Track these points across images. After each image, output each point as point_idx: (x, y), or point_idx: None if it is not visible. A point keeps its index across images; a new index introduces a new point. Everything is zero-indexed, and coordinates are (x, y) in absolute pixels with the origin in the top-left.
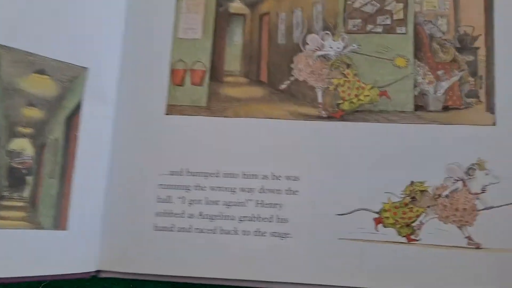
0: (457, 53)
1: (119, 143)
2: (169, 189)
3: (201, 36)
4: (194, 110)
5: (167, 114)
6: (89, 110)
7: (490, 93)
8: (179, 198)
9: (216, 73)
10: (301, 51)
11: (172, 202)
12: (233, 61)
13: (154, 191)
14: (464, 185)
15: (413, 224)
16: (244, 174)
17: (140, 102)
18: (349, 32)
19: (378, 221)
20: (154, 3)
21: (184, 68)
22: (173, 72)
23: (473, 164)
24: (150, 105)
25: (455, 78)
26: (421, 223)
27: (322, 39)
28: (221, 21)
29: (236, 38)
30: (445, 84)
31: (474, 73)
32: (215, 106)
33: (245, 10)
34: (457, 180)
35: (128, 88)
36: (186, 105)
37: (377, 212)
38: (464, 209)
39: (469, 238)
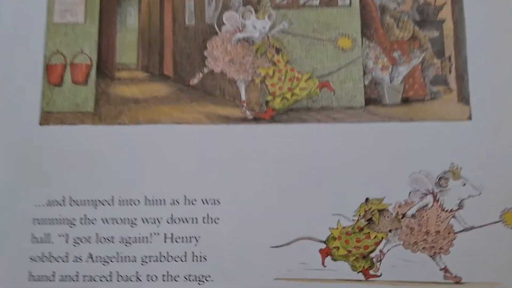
0: (417, 29)
1: None
2: (47, 224)
3: (84, 20)
4: (77, 117)
5: (42, 125)
6: None
7: (462, 77)
8: (61, 236)
9: (105, 67)
10: (216, 34)
11: (51, 242)
12: (127, 50)
13: (27, 228)
14: (436, 200)
15: (372, 255)
16: (147, 200)
17: (6, 111)
18: (277, 7)
19: (325, 253)
20: None
21: (63, 63)
22: (48, 68)
23: (445, 172)
24: (19, 113)
25: (416, 61)
26: (382, 253)
27: (243, 17)
28: None
29: (130, 21)
30: (403, 69)
31: (440, 53)
32: (106, 111)
33: None
34: (426, 194)
35: None
36: (68, 112)
37: (323, 242)
38: (437, 232)
39: (445, 270)
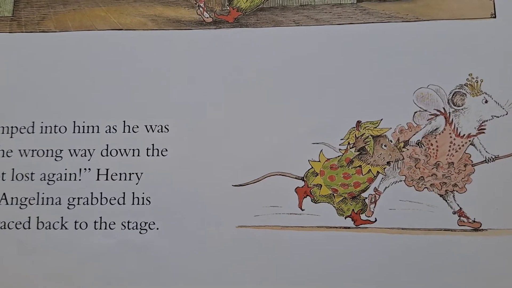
0: None
1: None
2: None
3: None
4: None
5: None
6: None
7: None
8: None
9: None
10: None
11: None
12: None
13: None
14: (448, 122)
15: (364, 195)
16: (77, 126)
17: None
18: None
19: (303, 192)
20: None
21: None
22: None
23: (461, 86)
24: None
25: None
26: (377, 193)
27: None
28: None
29: None
30: None
31: None
32: (27, 15)
33: None
34: (436, 115)
35: None
36: None
37: (301, 178)
38: (450, 163)
39: (460, 213)
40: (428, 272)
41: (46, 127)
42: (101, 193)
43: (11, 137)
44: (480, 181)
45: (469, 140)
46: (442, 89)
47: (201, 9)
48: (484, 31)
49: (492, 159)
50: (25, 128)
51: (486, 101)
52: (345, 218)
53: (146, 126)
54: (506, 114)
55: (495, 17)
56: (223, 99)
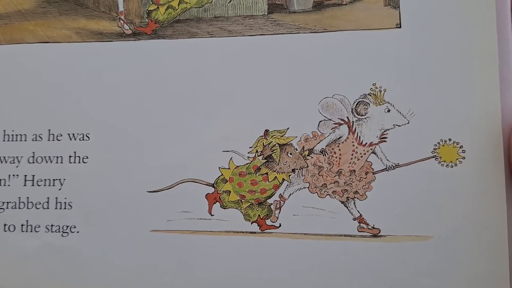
0: None
1: None
2: None
3: None
4: None
5: None
6: None
7: None
8: None
9: None
10: None
11: None
12: None
13: None
14: (352, 131)
15: (269, 201)
16: (6, 135)
17: None
18: None
19: (213, 198)
20: None
21: None
22: None
23: (365, 96)
24: None
25: None
26: (282, 199)
27: None
28: None
29: None
30: None
31: None
32: None
33: None
34: (340, 124)
35: None
36: None
37: (211, 185)
38: (352, 171)
39: (360, 219)
40: (329, 276)
41: None
42: (27, 197)
43: None
44: (381, 189)
45: (371, 149)
46: (347, 98)
47: (121, 21)
48: (389, 41)
49: (392, 167)
50: None
51: (389, 110)
52: (252, 223)
53: (69, 134)
54: (408, 123)
55: (400, 27)
56: (139, 108)
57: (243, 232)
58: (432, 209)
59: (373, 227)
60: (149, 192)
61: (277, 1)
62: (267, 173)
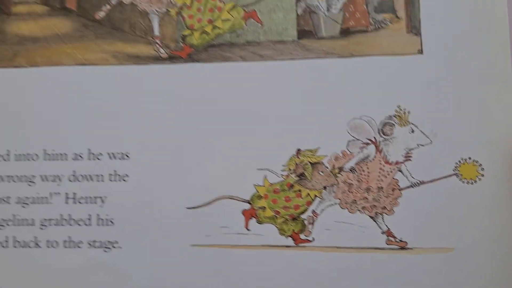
0: None
1: None
2: None
3: None
4: None
5: None
6: None
7: (411, 3)
8: None
9: (0, 1)
10: None
11: None
12: None
13: None
14: (378, 150)
15: (303, 217)
16: (47, 154)
17: None
18: None
19: (249, 214)
20: None
21: None
22: None
23: (390, 117)
24: None
25: None
26: (315, 214)
27: None
28: None
29: None
30: None
31: None
32: (1, 51)
33: None
34: (367, 144)
35: None
36: None
37: (247, 201)
38: (380, 188)
39: (388, 233)
40: (359, 286)
41: (19, 155)
42: (69, 214)
43: None
44: (407, 204)
45: (397, 167)
46: (373, 119)
47: (157, 45)
48: (412, 66)
49: (417, 184)
50: (1, 156)
51: (413, 131)
52: (286, 237)
53: (109, 153)
54: (431, 142)
55: (422, 53)
56: (176, 128)
57: (278, 246)
58: (453, 223)
59: (401, 240)
60: (188, 208)
61: (306, 27)
62: (300, 190)
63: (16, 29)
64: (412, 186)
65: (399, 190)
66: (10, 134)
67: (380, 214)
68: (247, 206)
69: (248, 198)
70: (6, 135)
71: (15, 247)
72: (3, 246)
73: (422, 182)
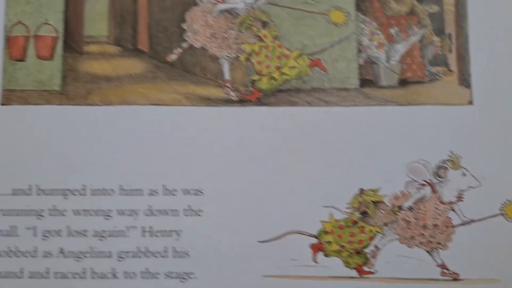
0: (415, 2)
1: None
2: (13, 215)
3: None
4: (43, 96)
5: (3, 104)
6: None
7: (463, 58)
8: (28, 228)
9: (72, 40)
10: (196, 4)
11: (18, 235)
12: (96, 21)
13: None
14: (434, 191)
15: (366, 251)
16: (123, 190)
17: None
18: None
19: (316, 248)
20: None
21: (25, 35)
22: (8, 40)
23: (444, 161)
24: None
25: (415, 39)
26: (377, 248)
27: None
28: None
29: None
30: (401, 48)
31: (440, 31)
32: (74, 89)
33: None
34: (424, 185)
35: None
36: (32, 90)
37: (315, 236)
38: (435, 225)
39: (442, 266)
40: None
41: (96, 189)
42: (146, 247)
43: (65, 198)
44: (459, 240)
45: (450, 206)
46: (429, 163)
47: (227, 88)
48: (463, 115)
49: (468, 222)
50: (77, 190)
51: (464, 174)
52: (351, 269)
53: (183, 189)
54: (480, 185)
55: (472, 104)
56: (248, 166)
57: (344, 277)
58: (500, 257)
59: (454, 272)
60: (260, 242)
61: (367, 76)
62: (363, 226)
63: (89, 68)
64: (463, 224)
65: (452, 227)
66: (86, 170)
67: (436, 248)
68: (314, 240)
69: (315, 233)
70: (83, 171)
71: (93, 278)
72: (81, 278)
73: (472, 221)
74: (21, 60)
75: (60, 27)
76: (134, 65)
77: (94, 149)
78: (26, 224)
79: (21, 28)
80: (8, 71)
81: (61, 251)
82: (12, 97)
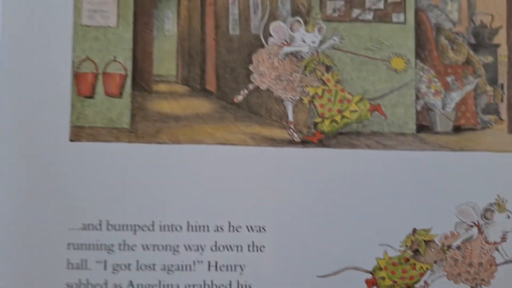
0: (471, 52)
1: (7, 186)
2: (83, 249)
3: (116, 23)
4: (112, 133)
5: (72, 141)
6: None
7: None
8: (99, 262)
9: (141, 78)
10: (262, 46)
11: (88, 268)
12: (165, 60)
13: (62, 254)
14: (480, 232)
15: (416, 286)
16: (190, 226)
17: (33, 125)
18: (327, 20)
19: (371, 283)
20: None
21: (94, 72)
22: (77, 77)
23: (491, 204)
24: (48, 128)
25: (469, 87)
26: (426, 284)
27: (291, 29)
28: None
29: (168, 26)
30: (456, 96)
31: (493, 81)
32: (143, 127)
33: None
34: (472, 226)
35: (13, 106)
36: (101, 127)
37: (369, 272)
38: (480, 263)
39: None
40: None
41: (164, 225)
42: (211, 280)
43: (135, 234)
44: (501, 278)
45: (495, 246)
46: (477, 205)
47: (291, 130)
48: (509, 163)
49: (510, 262)
50: (146, 226)
51: (509, 217)
52: None
53: (247, 226)
54: None
55: None
56: (308, 205)
57: None
58: None
59: None
60: (319, 276)
61: (423, 122)
62: (415, 263)
63: (158, 107)
64: (506, 262)
65: (496, 265)
66: (154, 206)
67: (480, 285)
68: (369, 276)
69: (370, 269)
70: (151, 207)
71: None
72: None
73: None
74: (90, 97)
75: (129, 65)
76: (202, 105)
77: (163, 186)
78: (97, 258)
79: (89, 65)
80: (77, 107)
81: (131, 284)
82: (81, 133)
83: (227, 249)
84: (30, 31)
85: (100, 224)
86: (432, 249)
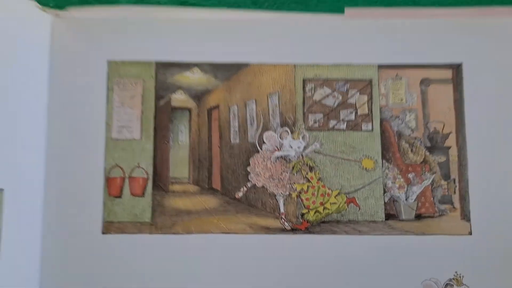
0: (427, 153)
1: (49, 273)
2: None
3: (140, 136)
4: (136, 227)
5: (104, 233)
6: (9, 237)
7: (464, 198)
8: None
9: (159, 180)
10: (257, 151)
11: None
12: (179, 165)
13: None
14: None
15: None
16: None
17: (71, 221)
18: (310, 129)
19: None
20: (79, 97)
21: (122, 176)
22: (108, 181)
23: (450, 280)
24: (83, 223)
25: (427, 182)
26: None
27: (281, 138)
28: (163, 116)
29: (182, 138)
30: (416, 189)
31: (446, 176)
32: (161, 221)
33: (190, 103)
34: None
35: (55, 204)
36: (127, 221)
37: None
38: None
39: None
40: None
41: None
42: None
43: None
44: None
45: None
46: (439, 281)
47: (282, 220)
48: (464, 243)
49: None
50: None
51: None
52: None
53: None
54: None
55: (471, 234)
56: (300, 284)
57: None
58: None
59: None
60: None
61: (391, 211)
62: None
63: (174, 204)
64: None
65: None
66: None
67: None
68: None
69: None
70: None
71: None
72: None
73: None
74: (118, 197)
75: (150, 170)
76: (209, 201)
77: (178, 271)
78: None
79: (118, 171)
80: (108, 205)
81: None
82: (111, 227)
83: None
84: (72, 143)
85: None
86: None
